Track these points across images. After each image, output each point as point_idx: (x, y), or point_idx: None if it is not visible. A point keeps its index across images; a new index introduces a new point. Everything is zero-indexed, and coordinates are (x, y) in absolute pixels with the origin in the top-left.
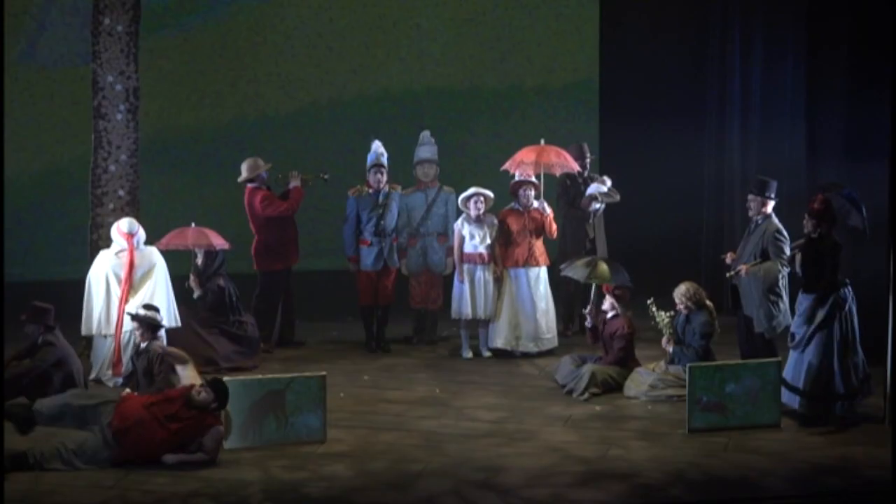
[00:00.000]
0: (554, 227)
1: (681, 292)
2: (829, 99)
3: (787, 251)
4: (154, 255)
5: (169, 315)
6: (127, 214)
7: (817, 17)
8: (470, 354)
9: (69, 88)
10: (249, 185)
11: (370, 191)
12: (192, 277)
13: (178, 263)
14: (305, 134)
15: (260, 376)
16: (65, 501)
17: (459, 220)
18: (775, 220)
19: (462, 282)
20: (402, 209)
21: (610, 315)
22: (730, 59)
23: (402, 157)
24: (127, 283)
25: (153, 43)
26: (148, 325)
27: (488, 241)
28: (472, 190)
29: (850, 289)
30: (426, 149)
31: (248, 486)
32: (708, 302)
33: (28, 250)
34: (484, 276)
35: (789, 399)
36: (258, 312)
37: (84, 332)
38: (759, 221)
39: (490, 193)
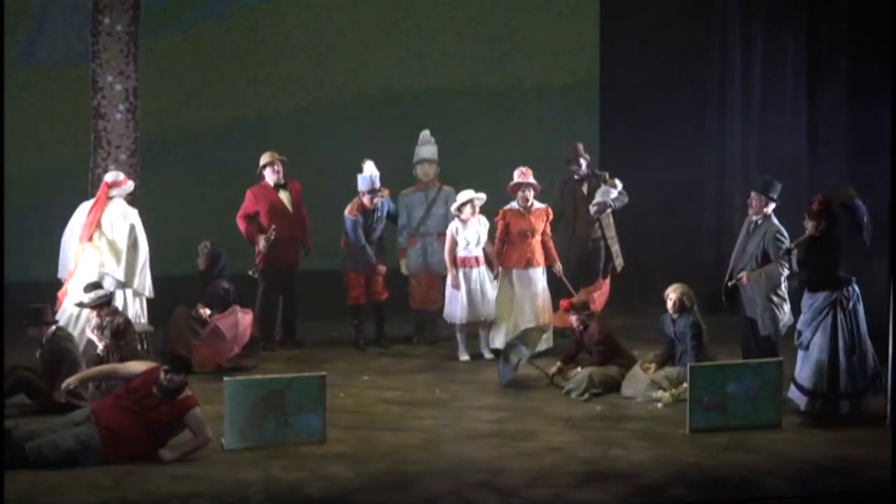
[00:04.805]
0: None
1: (680, 292)
2: (830, 98)
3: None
4: (130, 213)
5: (138, 280)
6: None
7: (818, 16)
8: (467, 357)
9: (69, 88)
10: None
11: (370, 208)
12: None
13: (177, 264)
14: (305, 134)
15: (260, 376)
16: (65, 501)
17: (453, 224)
18: (775, 221)
19: (456, 287)
20: (402, 209)
21: (581, 327)
22: (730, 59)
23: (402, 157)
24: (91, 227)
25: (153, 43)
26: (98, 305)
27: (482, 243)
28: (464, 197)
29: (855, 286)
30: (426, 148)
31: (248, 486)
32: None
33: (28, 250)
34: (480, 278)
35: (799, 398)
36: (260, 311)
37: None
38: (759, 222)
39: (482, 195)
